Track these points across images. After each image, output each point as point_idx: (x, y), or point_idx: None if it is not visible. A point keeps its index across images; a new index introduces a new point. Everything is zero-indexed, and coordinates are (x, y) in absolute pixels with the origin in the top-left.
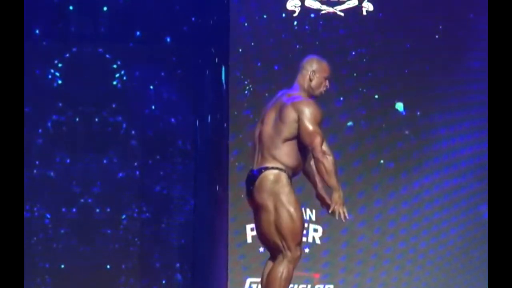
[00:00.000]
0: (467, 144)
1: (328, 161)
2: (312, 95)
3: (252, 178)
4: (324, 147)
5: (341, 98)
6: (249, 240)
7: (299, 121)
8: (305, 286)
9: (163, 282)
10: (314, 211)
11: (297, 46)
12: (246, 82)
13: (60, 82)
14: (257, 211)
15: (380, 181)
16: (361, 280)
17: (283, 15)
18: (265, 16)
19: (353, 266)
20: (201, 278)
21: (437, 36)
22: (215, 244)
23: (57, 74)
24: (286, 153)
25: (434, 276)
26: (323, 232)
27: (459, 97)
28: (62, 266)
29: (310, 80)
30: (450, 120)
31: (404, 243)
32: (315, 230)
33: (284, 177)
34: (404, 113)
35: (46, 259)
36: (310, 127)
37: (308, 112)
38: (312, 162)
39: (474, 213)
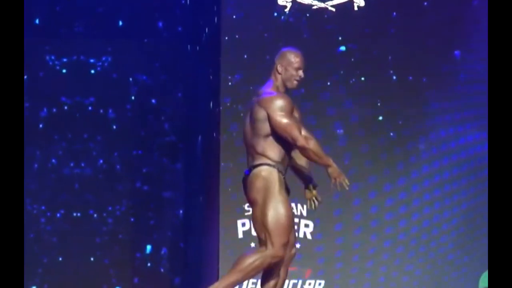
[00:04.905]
0: (466, 133)
1: (313, 145)
2: (287, 88)
3: (245, 177)
4: (304, 133)
5: (335, 92)
6: (240, 235)
7: (269, 118)
8: (296, 281)
9: (158, 278)
10: (305, 206)
11: (288, 41)
12: (237, 77)
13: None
14: (251, 208)
15: (375, 173)
16: (352, 275)
17: (275, 10)
18: (256, 11)
19: (344, 262)
20: (192, 273)
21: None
22: (206, 239)
23: (52, 68)
24: (270, 148)
25: (437, 269)
26: (314, 228)
27: (457, 86)
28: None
29: (279, 73)
30: (448, 108)
31: (403, 236)
32: (306, 226)
33: (274, 173)
34: None
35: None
36: (281, 121)
37: (274, 107)
38: (296, 158)
39: (474, 204)
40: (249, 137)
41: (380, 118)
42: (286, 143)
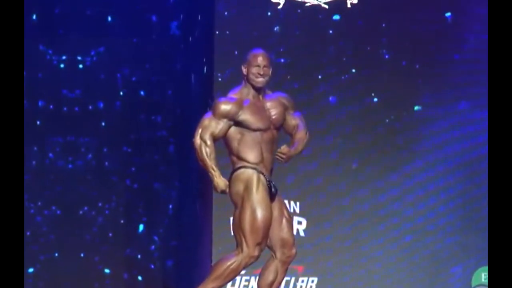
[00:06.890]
0: (468, 123)
1: (201, 148)
2: (255, 87)
3: (229, 180)
4: (206, 137)
5: (329, 88)
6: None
7: None
8: (289, 278)
9: (150, 274)
10: (298, 203)
11: (282, 39)
12: (228, 73)
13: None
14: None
15: (368, 170)
16: (345, 272)
17: (268, 7)
18: (248, 8)
19: (337, 258)
20: (185, 271)
21: None
22: (199, 236)
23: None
24: (244, 151)
25: (432, 265)
26: (307, 225)
27: (457, 76)
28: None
29: (245, 75)
30: (450, 98)
31: (397, 232)
32: (299, 223)
33: (254, 174)
34: None
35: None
36: (202, 118)
37: (211, 107)
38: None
39: (475, 198)
40: (224, 143)
41: (375, 99)
42: (258, 144)
